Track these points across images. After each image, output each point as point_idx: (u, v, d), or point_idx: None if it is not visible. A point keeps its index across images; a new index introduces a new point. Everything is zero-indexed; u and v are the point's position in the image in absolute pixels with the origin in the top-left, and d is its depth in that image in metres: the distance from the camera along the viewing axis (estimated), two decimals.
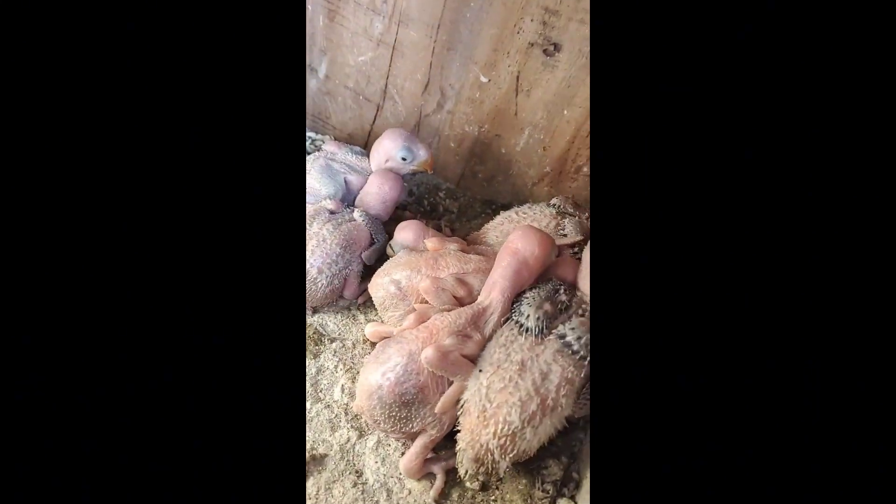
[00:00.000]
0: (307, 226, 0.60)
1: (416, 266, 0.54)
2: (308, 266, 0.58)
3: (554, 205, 0.64)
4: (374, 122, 0.76)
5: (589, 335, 0.44)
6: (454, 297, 0.51)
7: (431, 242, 0.57)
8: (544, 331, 0.45)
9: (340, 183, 0.66)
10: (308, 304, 0.60)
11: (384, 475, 0.50)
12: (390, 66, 0.69)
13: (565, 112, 0.65)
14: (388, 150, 0.65)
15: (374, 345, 0.55)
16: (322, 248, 0.58)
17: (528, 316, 0.46)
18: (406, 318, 0.51)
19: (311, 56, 0.72)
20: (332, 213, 0.62)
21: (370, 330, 0.55)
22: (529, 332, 0.45)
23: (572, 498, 0.48)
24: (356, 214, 0.63)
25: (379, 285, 0.56)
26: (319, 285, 0.59)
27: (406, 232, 0.60)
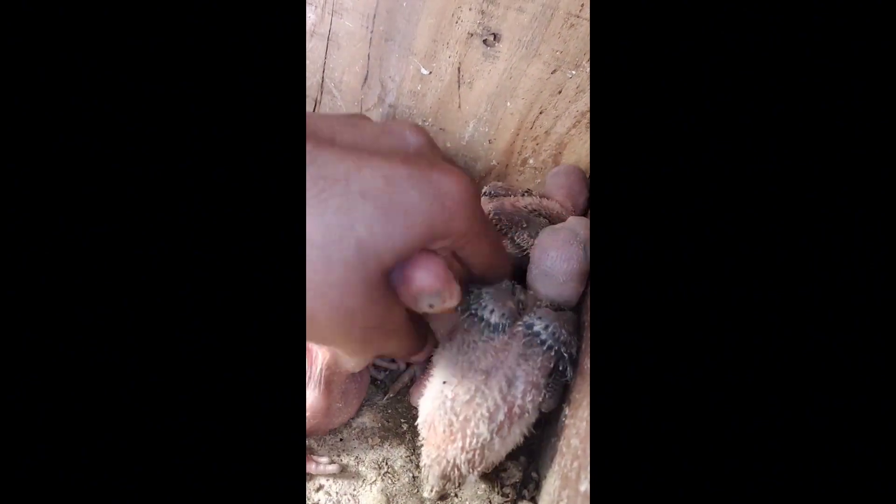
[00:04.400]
0: None
1: None
2: None
3: (487, 193, 0.62)
4: None
5: (556, 323, 0.43)
6: None
7: None
8: (507, 328, 0.44)
9: None
10: None
11: (336, 493, 0.47)
12: (326, 58, 0.65)
13: (508, 104, 0.64)
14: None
15: None
16: None
17: (493, 311, 0.44)
18: None
19: None
20: None
21: None
22: (495, 329, 0.44)
23: (532, 500, 0.47)
24: None
25: None
26: None
27: None
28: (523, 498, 0.47)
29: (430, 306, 0.41)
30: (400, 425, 0.52)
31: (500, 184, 0.63)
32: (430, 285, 0.38)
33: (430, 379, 0.45)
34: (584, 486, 0.34)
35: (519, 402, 0.42)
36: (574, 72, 0.60)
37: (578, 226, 0.48)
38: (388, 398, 0.53)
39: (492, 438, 0.42)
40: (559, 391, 0.45)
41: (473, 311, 0.45)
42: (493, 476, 0.48)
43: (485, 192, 0.62)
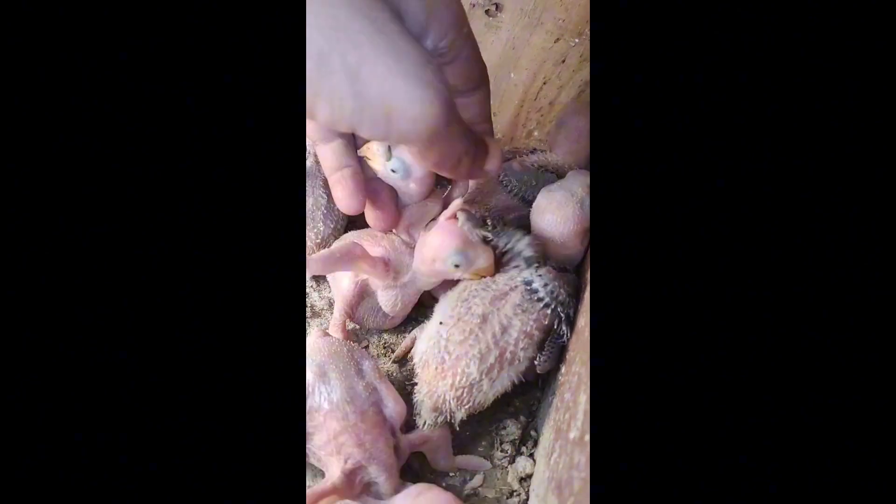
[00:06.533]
0: None
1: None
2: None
3: None
4: None
5: (556, 283, 0.44)
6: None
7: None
8: (538, 263, 0.46)
9: None
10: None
11: None
12: None
13: (512, 75, 0.64)
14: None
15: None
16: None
17: (529, 245, 0.46)
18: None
19: None
20: None
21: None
22: (528, 262, 0.46)
23: (531, 455, 0.48)
24: None
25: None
26: None
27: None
28: (521, 454, 0.49)
29: (456, 266, 0.46)
30: (404, 387, 0.53)
31: (506, 148, 0.64)
32: (448, 243, 0.45)
33: (428, 321, 0.47)
34: (573, 434, 0.35)
35: (511, 348, 0.44)
36: (577, 40, 0.60)
37: (575, 183, 0.49)
38: (392, 362, 0.55)
39: (480, 379, 0.43)
40: (556, 353, 0.46)
41: (507, 246, 0.47)
42: (493, 433, 0.50)
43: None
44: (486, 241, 0.47)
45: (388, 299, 0.52)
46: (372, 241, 0.52)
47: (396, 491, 0.42)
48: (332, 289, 0.57)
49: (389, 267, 0.50)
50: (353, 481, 0.42)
